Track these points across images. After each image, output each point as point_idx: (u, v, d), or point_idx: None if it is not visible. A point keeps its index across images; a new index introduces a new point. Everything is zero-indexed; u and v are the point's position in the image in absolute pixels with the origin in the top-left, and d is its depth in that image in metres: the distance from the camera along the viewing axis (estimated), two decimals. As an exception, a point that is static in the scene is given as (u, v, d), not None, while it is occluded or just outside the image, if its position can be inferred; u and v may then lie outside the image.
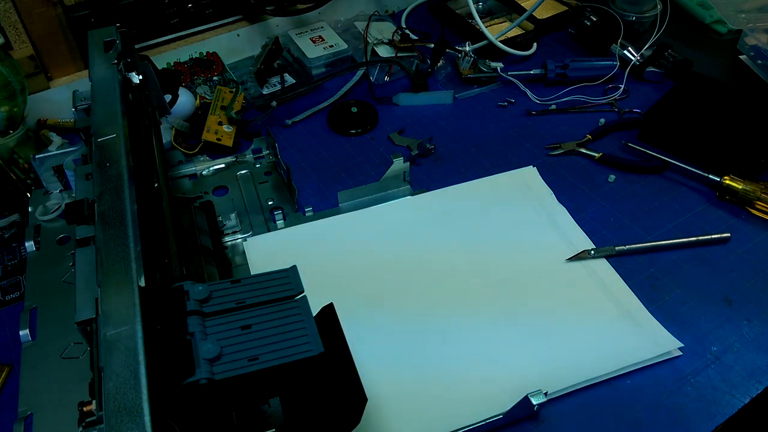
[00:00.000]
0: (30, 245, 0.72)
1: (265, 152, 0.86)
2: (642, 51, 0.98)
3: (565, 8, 1.09)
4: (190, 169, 0.84)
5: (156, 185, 0.62)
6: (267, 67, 0.95)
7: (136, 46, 0.90)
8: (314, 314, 0.45)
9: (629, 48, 0.99)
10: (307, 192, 0.82)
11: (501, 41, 0.99)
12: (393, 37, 0.99)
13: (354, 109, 0.93)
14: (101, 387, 0.38)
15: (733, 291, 0.69)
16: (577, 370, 0.61)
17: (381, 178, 0.79)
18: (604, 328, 0.65)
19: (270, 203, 0.79)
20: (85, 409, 0.41)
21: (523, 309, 0.67)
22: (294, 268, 0.48)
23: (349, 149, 0.88)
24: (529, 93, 0.96)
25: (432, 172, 0.84)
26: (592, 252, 0.72)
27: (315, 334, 0.44)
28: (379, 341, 0.64)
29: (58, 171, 0.77)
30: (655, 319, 0.65)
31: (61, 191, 0.78)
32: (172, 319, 0.43)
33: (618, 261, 0.72)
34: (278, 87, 0.95)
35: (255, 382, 0.42)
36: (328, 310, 0.50)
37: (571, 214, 0.77)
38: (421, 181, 0.82)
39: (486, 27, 1.00)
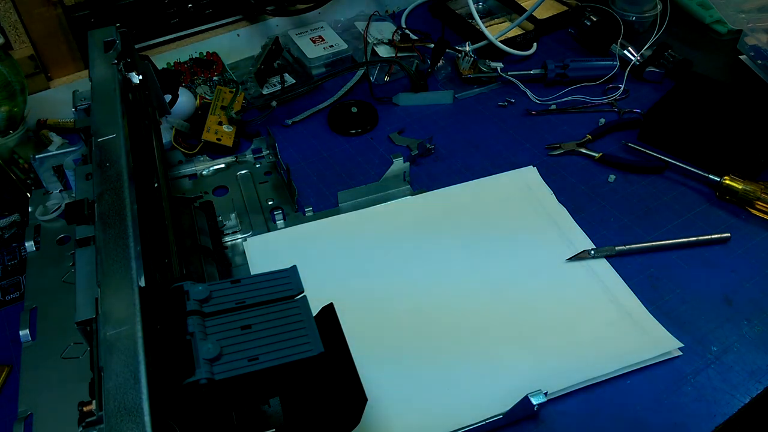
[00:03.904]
0: (30, 245, 0.72)
1: (265, 152, 0.86)
2: (642, 51, 0.98)
3: (565, 8, 1.09)
4: (190, 169, 0.84)
5: (156, 185, 0.62)
6: (267, 67, 0.95)
7: (136, 46, 0.90)
8: (314, 314, 0.46)
9: (629, 48, 0.99)
10: (307, 192, 0.82)
11: (501, 41, 0.99)
12: (393, 37, 0.99)
13: (354, 109, 0.93)
14: (101, 387, 0.38)
15: (733, 291, 0.69)
16: (577, 370, 0.61)
17: (381, 178, 0.79)
18: (604, 328, 0.65)
19: (270, 203, 0.79)
20: (85, 409, 0.41)
21: (523, 309, 0.67)
22: (294, 268, 0.48)
23: (349, 149, 0.88)
24: (529, 93, 0.96)
25: (432, 172, 0.84)
26: (592, 252, 0.72)
27: (315, 334, 0.44)
28: (379, 341, 0.64)
29: (58, 171, 0.77)
30: (655, 319, 0.65)
31: (61, 191, 0.78)
32: (172, 319, 0.43)
33: (618, 261, 0.72)
34: (278, 87, 0.95)
35: (255, 382, 0.42)
36: (328, 310, 0.50)
37: (571, 214, 0.77)
38: (421, 181, 0.82)
39: (486, 27, 1.00)
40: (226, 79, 0.95)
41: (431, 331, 0.65)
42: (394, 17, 1.12)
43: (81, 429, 0.40)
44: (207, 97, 0.91)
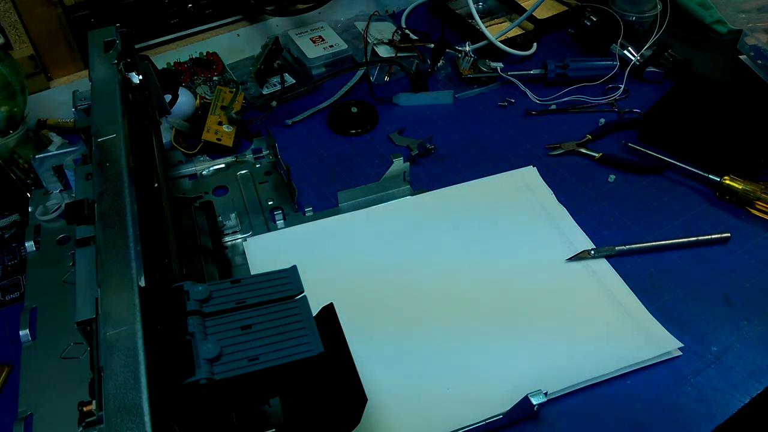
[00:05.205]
0: (30, 245, 0.72)
1: (265, 152, 0.86)
2: (642, 51, 0.98)
3: (565, 8, 1.09)
4: (190, 169, 0.84)
5: (156, 185, 0.62)
6: (267, 67, 0.95)
7: (136, 46, 0.90)
8: (314, 314, 0.45)
9: (629, 48, 0.99)
10: (307, 192, 0.82)
11: (501, 41, 0.99)
12: (393, 37, 0.99)
13: (354, 109, 0.93)
14: (101, 387, 0.38)
15: (733, 291, 0.69)
16: (577, 370, 0.61)
17: (381, 178, 0.79)
18: (604, 328, 0.65)
19: (270, 203, 0.79)
20: (85, 409, 0.41)
21: (523, 309, 0.67)
22: (294, 268, 0.48)
23: (349, 149, 0.88)
24: (529, 93, 0.96)
25: (432, 172, 0.84)
26: (592, 252, 0.72)
27: (315, 334, 0.44)
28: (380, 341, 0.64)
29: (58, 171, 0.77)
30: (655, 319, 0.65)
31: (61, 191, 0.78)
32: (172, 319, 0.43)
33: (618, 261, 0.72)
34: (278, 87, 0.95)
35: (255, 382, 0.42)
36: (328, 310, 0.50)
37: (571, 214, 0.77)
38: (421, 181, 0.82)
39: (486, 27, 1.00)
40: (226, 79, 0.95)
41: (431, 331, 0.65)
42: (394, 17, 1.12)
43: (81, 429, 0.40)
44: (207, 97, 0.91)
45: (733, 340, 0.64)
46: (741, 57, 0.99)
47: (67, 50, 0.89)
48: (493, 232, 0.75)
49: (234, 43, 1.01)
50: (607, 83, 0.97)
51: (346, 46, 0.99)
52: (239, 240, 0.75)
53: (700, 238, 0.74)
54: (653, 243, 0.73)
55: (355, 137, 0.90)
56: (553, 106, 0.94)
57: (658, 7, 1.04)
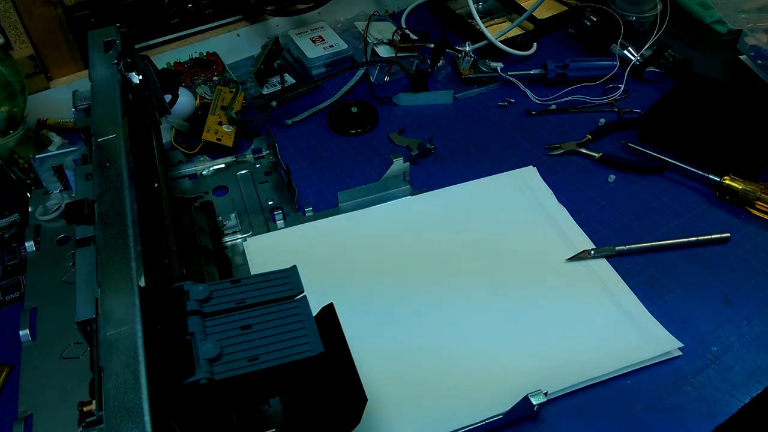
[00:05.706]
0: (30, 245, 0.72)
1: (265, 152, 0.86)
2: (642, 51, 0.98)
3: (565, 8, 1.09)
4: (190, 169, 0.84)
5: (156, 185, 0.62)
6: (267, 67, 0.95)
7: (136, 46, 0.90)
8: (314, 314, 0.46)
9: (629, 48, 0.99)
10: (307, 192, 0.82)
11: (501, 41, 0.99)
12: (393, 37, 0.99)
13: (354, 109, 0.93)
14: (101, 387, 0.38)
15: (733, 291, 0.69)
16: (577, 370, 0.61)
17: (381, 178, 0.79)
18: (604, 328, 0.65)
19: (270, 203, 0.79)
20: (85, 409, 0.41)
21: (523, 309, 0.67)
22: (294, 268, 0.48)
23: (349, 149, 0.88)
24: (529, 93, 0.96)
25: (432, 172, 0.84)
26: (592, 252, 0.72)
27: (315, 334, 0.44)
28: (380, 341, 0.64)
29: (58, 171, 0.77)
30: (655, 319, 0.65)
31: (61, 191, 0.78)
32: (172, 319, 0.43)
33: (618, 261, 0.72)
34: (278, 87, 0.95)
35: (255, 382, 0.42)
36: (328, 310, 0.50)
37: (571, 214, 0.77)
38: (421, 181, 0.82)
39: (486, 27, 1.01)
40: (226, 79, 0.95)
41: (431, 331, 0.65)
42: (394, 17, 1.12)
43: (81, 429, 0.40)
44: (207, 97, 0.91)
45: (733, 340, 0.64)
46: (741, 57, 0.99)
47: (67, 50, 0.89)
48: (493, 232, 0.75)
49: (234, 43, 1.01)
50: (607, 83, 0.97)
51: (346, 46, 0.99)
52: (239, 240, 0.75)
53: (700, 238, 0.74)
54: (653, 243, 0.73)
55: (355, 137, 0.90)
56: (553, 106, 0.94)
57: (658, 7, 1.04)
